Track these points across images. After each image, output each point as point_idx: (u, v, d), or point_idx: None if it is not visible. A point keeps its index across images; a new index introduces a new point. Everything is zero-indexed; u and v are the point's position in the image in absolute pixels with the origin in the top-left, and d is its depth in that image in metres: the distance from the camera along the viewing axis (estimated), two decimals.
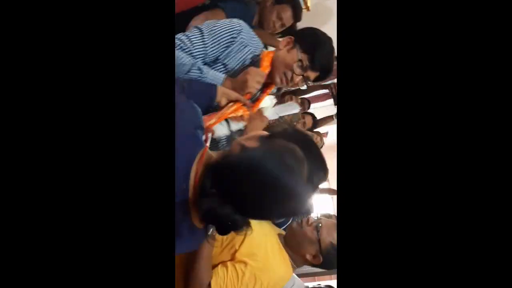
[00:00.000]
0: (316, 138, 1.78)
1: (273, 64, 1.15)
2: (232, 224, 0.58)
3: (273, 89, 1.24)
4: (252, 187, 0.56)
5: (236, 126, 1.14)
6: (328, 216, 1.21)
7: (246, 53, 1.14)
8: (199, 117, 0.71)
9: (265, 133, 0.63)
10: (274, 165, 0.56)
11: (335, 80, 2.42)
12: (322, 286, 1.77)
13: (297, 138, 0.61)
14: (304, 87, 1.32)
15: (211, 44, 1.08)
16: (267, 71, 1.13)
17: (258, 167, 0.56)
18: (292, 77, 1.13)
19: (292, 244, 1.16)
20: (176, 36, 1.07)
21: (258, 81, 1.08)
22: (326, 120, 2.54)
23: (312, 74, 1.14)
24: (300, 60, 1.10)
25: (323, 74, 1.16)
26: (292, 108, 1.34)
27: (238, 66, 1.14)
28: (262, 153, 0.58)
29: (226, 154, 0.61)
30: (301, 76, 1.12)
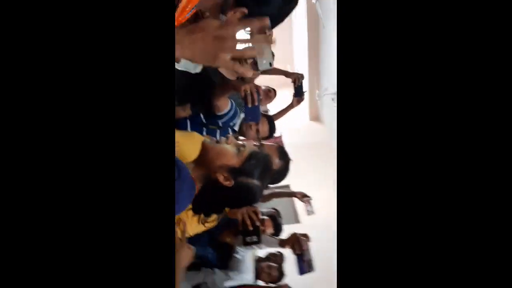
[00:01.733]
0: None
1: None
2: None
3: None
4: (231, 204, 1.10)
5: None
6: None
7: None
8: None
9: (234, 165, 0.93)
10: (247, 195, 0.98)
11: None
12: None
13: (258, 167, 0.96)
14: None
15: None
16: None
17: (236, 198, 0.99)
18: None
19: None
20: None
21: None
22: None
23: None
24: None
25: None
26: None
27: None
28: (239, 190, 0.95)
29: (211, 186, 0.94)
30: None
